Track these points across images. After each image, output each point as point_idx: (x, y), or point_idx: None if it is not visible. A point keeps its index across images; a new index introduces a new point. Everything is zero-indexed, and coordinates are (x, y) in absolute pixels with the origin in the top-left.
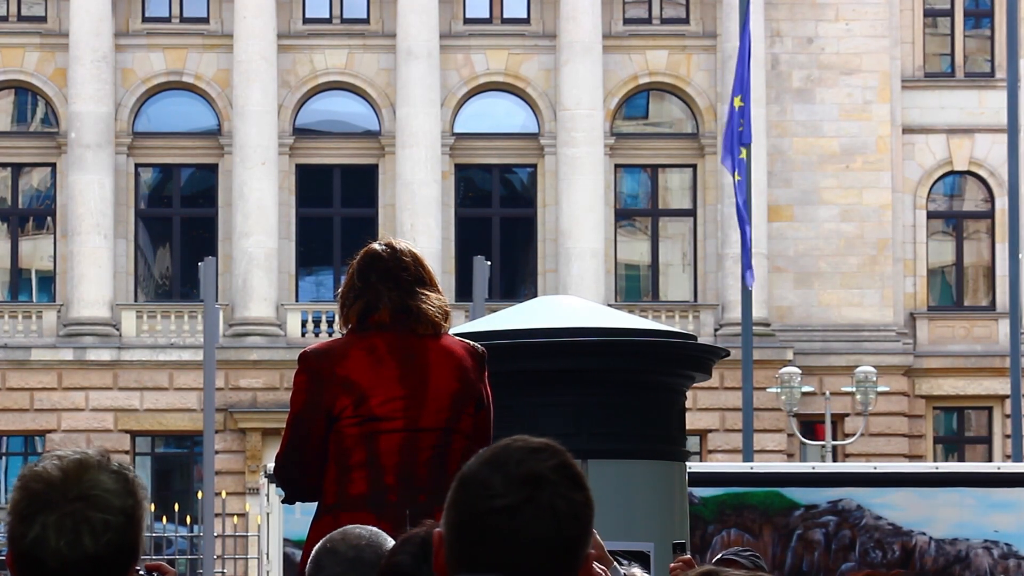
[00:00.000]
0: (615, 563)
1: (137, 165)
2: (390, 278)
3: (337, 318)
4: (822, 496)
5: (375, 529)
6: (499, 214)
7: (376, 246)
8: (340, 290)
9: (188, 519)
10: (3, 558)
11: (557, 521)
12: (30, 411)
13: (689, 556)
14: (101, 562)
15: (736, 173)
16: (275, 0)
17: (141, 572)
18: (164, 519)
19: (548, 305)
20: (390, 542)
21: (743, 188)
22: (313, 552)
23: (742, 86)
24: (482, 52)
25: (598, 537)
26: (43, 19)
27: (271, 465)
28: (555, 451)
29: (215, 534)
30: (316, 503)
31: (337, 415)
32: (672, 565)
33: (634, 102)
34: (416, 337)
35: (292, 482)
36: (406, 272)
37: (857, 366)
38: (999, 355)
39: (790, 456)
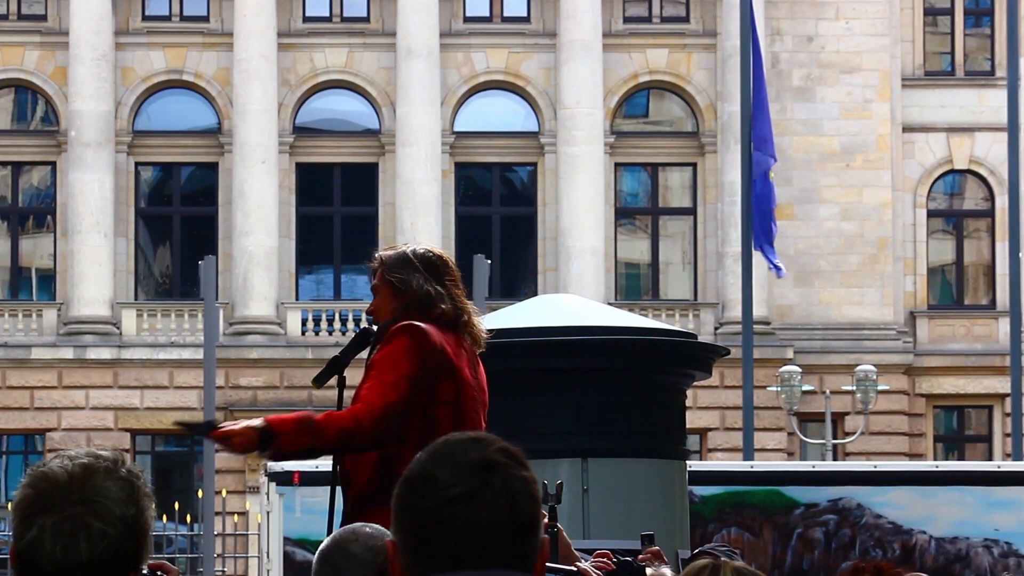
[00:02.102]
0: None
1: (137, 164)
2: (460, 287)
3: (408, 308)
4: (822, 495)
5: (383, 528)
6: (499, 213)
7: (441, 252)
8: (412, 282)
9: (188, 518)
10: (4, 556)
11: (514, 501)
12: (30, 410)
13: (657, 548)
14: (96, 568)
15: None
16: None
17: (144, 572)
18: (164, 518)
19: (548, 304)
20: None
21: (766, 184)
22: (322, 551)
23: (757, 90)
24: (482, 51)
25: (565, 536)
26: (43, 17)
27: (271, 464)
28: (492, 438)
29: (215, 532)
30: (349, 488)
31: (436, 397)
32: (640, 556)
33: (634, 101)
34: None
35: (385, 439)
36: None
37: (857, 365)
38: (999, 354)
39: (790, 455)
